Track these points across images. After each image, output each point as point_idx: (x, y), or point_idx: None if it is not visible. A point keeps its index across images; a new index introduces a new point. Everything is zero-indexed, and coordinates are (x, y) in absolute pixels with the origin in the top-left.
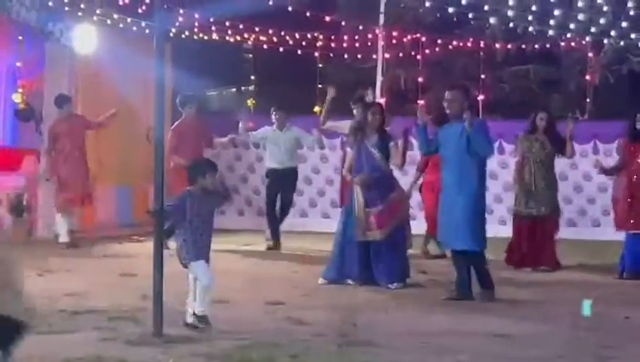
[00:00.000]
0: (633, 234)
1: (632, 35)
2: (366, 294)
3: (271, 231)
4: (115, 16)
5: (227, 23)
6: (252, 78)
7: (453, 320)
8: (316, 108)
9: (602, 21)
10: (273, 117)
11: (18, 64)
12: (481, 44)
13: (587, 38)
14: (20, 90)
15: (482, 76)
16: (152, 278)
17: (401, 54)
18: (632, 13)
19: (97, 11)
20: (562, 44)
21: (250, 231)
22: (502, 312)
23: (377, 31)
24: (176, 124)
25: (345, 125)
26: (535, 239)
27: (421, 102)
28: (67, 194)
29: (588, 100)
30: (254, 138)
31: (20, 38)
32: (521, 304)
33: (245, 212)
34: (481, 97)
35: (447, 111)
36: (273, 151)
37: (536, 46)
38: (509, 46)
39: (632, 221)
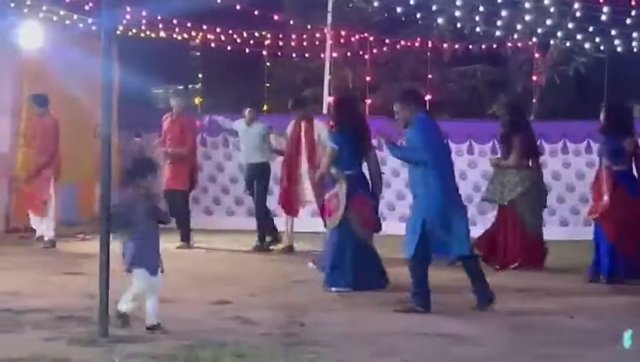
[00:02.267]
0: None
1: (578, 36)
2: (316, 294)
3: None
4: (62, 12)
5: (175, 21)
6: (199, 76)
7: (402, 322)
8: (264, 107)
9: (548, 22)
10: (246, 113)
11: None
12: (429, 43)
13: (534, 39)
14: None
15: (429, 76)
16: (99, 277)
17: (348, 53)
18: (577, 14)
19: (43, 8)
20: (509, 44)
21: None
22: (454, 313)
23: (325, 30)
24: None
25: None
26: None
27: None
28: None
29: (534, 100)
30: (228, 125)
31: None
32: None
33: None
34: (428, 97)
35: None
36: (242, 146)
37: (483, 46)
38: (457, 46)
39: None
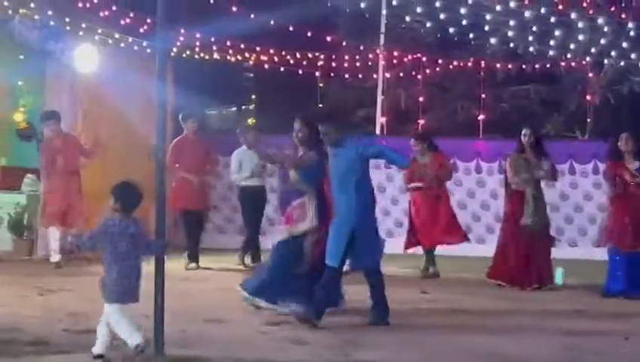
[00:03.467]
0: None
1: (632, 55)
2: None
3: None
4: (117, 35)
5: (228, 43)
6: (252, 97)
7: (453, 342)
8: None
9: (602, 41)
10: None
11: (20, 83)
12: (482, 64)
13: (587, 58)
14: (22, 110)
15: (482, 96)
16: (154, 298)
17: (401, 74)
18: (632, 33)
19: (99, 31)
20: (562, 64)
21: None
22: (504, 333)
23: (378, 51)
24: (175, 139)
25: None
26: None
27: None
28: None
29: (589, 120)
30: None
31: (22, 57)
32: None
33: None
34: (481, 117)
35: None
36: (244, 169)
37: (537, 66)
38: (510, 66)
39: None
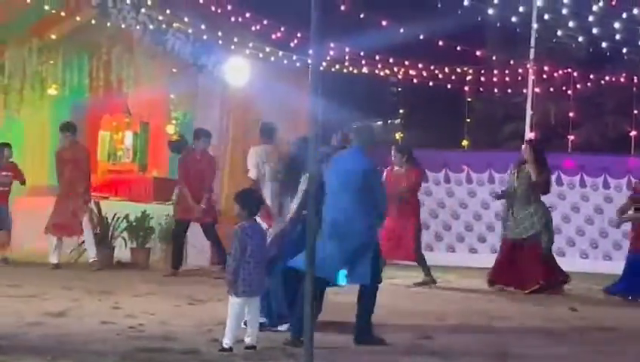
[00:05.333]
0: None
1: None
2: (515, 331)
3: None
4: (267, 49)
5: (377, 57)
6: (400, 111)
7: None
8: (464, 142)
9: None
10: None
11: (172, 96)
12: (634, 79)
13: None
14: (174, 122)
15: (635, 111)
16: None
17: (551, 89)
18: None
19: (250, 45)
20: None
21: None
22: None
23: (528, 65)
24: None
25: None
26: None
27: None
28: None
29: None
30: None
31: (174, 70)
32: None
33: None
34: (633, 133)
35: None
36: None
37: None
38: None
39: None
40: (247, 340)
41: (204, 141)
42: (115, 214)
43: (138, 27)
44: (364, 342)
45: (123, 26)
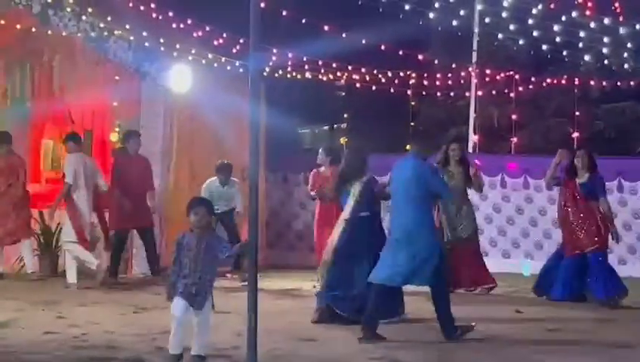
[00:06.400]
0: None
1: None
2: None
3: None
4: (210, 55)
5: (320, 62)
6: (345, 115)
7: (386, 352)
8: (408, 147)
9: None
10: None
11: (115, 104)
12: (576, 81)
13: None
14: (117, 130)
15: (577, 113)
16: (247, 317)
17: (494, 92)
18: None
19: (192, 51)
20: None
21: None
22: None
23: (470, 69)
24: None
25: None
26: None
27: (514, 139)
28: None
29: None
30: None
31: (117, 77)
32: None
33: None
34: (575, 134)
35: None
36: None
37: (632, 83)
38: (604, 83)
39: None
40: (194, 349)
41: (135, 142)
42: (58, 223)
43: (80, 34)
44: (452, 337)
45: (64, 33)
